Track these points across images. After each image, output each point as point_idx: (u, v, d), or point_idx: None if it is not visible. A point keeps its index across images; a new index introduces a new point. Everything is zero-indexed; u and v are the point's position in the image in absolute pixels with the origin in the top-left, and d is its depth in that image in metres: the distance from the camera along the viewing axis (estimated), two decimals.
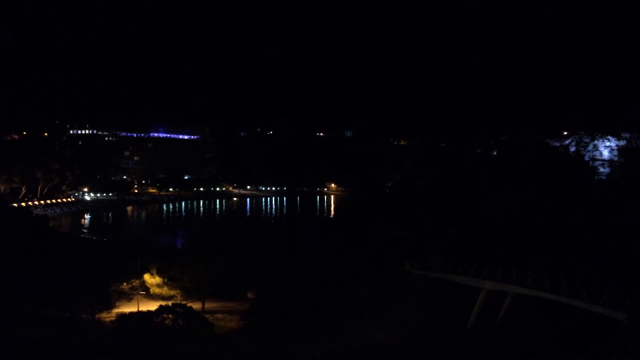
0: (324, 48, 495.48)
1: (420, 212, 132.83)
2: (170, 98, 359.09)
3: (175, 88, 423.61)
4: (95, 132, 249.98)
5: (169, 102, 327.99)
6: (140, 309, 53.14)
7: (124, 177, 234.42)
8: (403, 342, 50.84)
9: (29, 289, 57.70)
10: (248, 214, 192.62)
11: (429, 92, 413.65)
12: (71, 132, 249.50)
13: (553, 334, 53.34)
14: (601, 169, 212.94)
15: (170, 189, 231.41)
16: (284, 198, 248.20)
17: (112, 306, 54.02)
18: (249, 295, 61.06)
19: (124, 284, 59.18)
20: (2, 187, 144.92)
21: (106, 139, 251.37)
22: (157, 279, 59.13)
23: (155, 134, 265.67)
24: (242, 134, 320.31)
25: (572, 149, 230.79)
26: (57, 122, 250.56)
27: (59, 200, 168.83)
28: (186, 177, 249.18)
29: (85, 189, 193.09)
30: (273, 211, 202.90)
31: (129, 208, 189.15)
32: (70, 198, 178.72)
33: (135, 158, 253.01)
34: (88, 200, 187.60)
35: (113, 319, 51.57)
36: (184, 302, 54.74)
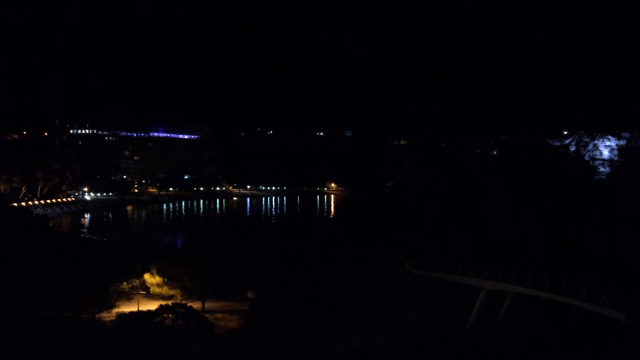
0: (324, 48, 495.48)
1: (420, 212, 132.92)
2: (170, 98, 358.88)
3: (175, 88, 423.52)
4: (95, 132, 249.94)
5: (169, 102, 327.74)
6: (140, 309, 53.13)
7: (124, 177, 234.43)
8: (403, 342, 50.84)
9: (29, 289, 57.69)
10: (248, 213, 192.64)
11: (429, 92, 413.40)
12: (71, 132, 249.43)
13: (553, 334, 53.32)
14: (601, 169, 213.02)
15: (170, 189, 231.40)
16: (284, 198, 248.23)
17: (112, 306, 54.00)
18: (249, 295, 61.05)
19: (124, 283, 59.17)
20: (2, 187, 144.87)
21: (106, 139, 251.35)
22: (157, 279, 59.15)
23: (155, 134, 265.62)
24: (242, 134, 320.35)
25: (572, 148, 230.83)
26: (57, 122, 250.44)
27: (59, 200, 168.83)
28: (186, 177, 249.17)
29: (85, 189, 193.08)
30: (273, 211, 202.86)
31: (129, 208, 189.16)
32: (70, 198, 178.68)
33: (135, 158, 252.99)
34: (88, 200, 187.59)
35: (113, 318, 51.55)
36: (184, 302, 54.75)
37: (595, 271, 57.76)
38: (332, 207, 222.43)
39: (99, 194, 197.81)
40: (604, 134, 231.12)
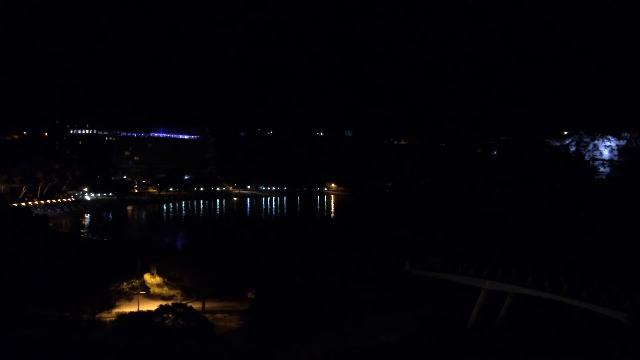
0: (324, 48, 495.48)
1: (420, 212, 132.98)
2: (170, 98, 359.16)
3: (175, 88, 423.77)
4: (95, 132, 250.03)
5: (169, 102, 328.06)
6: (140, 309, 53.10)
7: (124, 177, 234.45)
8: (403, 342, 50.80)
9: (29, 289, 57.70)
10: (248, 214, 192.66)
11: (429, 92, 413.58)
12: (71, 132, 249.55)
13: (553, 334, 53.32)
14: (601, 169, 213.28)
15: (170, 189, 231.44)
16: (284, 198, 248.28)
17: (112, 306, 53.94)
18: (249, 295, 61.04)
19: (124, 283, 59.15)
20: (2, 187, 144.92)
21: (106, 139, 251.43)
22: (157, 279, 59.15)
23: (155, 134, 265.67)
24: (242, 134, 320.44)
25: (572, 148, 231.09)
26: (57, 122, 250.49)
27: (59, 200, 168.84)
28: (186, 177, 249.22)
29: (85, 189, 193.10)
30: (273, 211, 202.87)
31: (129, 208, 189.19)
32: (71, 198, 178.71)
33: (135, 158, 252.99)
34: (88, 200, 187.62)
35: (113, 319, 51.52)
36: (184, 302, 54.69)
37: (595, 271, 57.79)
38: (332, 207, 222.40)
39: (99, 194, 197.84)
40: (604, 134, 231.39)
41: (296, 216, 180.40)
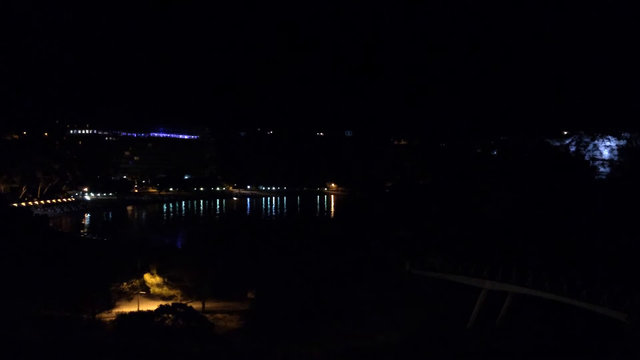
0: (324, 48, 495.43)
1: (420, 212, 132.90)
2: (170, 98, 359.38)
3: (175, 88, 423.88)
4: (95, 132, 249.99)
5: (169, 102, 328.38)
6: (140, 309, 53.09)
7: (124, 177, 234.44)
8: (403, 342, 50.80)
9: (29, 289, 57.70)
10: (248, 214, 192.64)
11: (429, 92, 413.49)
12: (71, 132, 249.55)
13: (553, 334, 53.31)
14: (601, 169, 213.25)
15: (170, 189, 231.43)
16: (284, 198, 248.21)
17: (112, 306, 53.94)
18: (249, 295, 61.05)
19: (124, 283, 59.13)
20: (2, 187, 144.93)
21: (106, 139, 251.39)
22: (157, 279, 59.14)
23: (155, 134, 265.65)
24: (242, 134, 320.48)
25: (572, 148, 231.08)
26: (57, 122, 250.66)
27: (59, 200, 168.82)
28: (186, 177, 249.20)
29: (86, 189, 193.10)
30: (273, 211, 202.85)
31: (129, 208, 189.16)
32: (71, 198, 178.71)
33: (135, 158, 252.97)
34: (88, 200, 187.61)
35: (113, 318, 51.52)
36: (184, 302, 54.69)
37: (595, 271, 57.78)
38: (332, 207, 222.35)
39: (99, 194, 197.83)
40: (604, 134, 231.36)
41: (296, 216, 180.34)
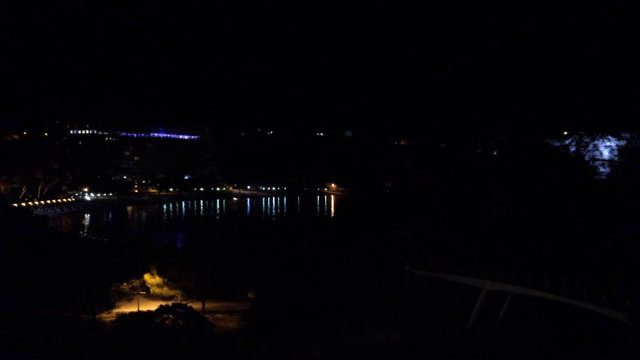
0: (324, 48, 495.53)
1: (420, 212, 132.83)
2: (170, 98, 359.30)
3: (175, 88, 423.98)
4: (95, 132, 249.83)
5: (169, 102, 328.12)
6: (140, 309, 53.15)
7: (124, 177, 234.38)
8: (403, 342, 50.81)
9: (29, 289, 57.71)
10: (248, 214, 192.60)
11: (429, 92, 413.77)
12: (71, 132, 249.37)
13: (553, 334, 53.30)
14: (601, 169, 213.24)
15: (171, 189, 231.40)
16: (284, 198, 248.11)
17: (112, 306, 53.99)
18: (249, 295, 61.05)
19: (124, 284, 59.17)
20: (2, 187, 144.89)
21: (106, 139, 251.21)
22: (157, 279, 59.12)
23: (155, 134, 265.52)
24: (242, 134, 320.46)
25: (572, 148, 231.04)
26: (57, 122, 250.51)
27: (59, 200, 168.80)
28: (186, 177, 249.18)
29: (86, 189, 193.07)
30: (273, 211, 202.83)
31: (129, 208, 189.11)
32: (71, 198, 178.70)
33: (135, 158, 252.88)
34: (88, 200, 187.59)
35: (113, 319, 51.56)
36: (184, 302, 54.75)
37: (595, 271, 57.73)
38: (332, 207, 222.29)
39: (99, 194, 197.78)
40: (604, 134, 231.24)
41: (296, 216, 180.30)
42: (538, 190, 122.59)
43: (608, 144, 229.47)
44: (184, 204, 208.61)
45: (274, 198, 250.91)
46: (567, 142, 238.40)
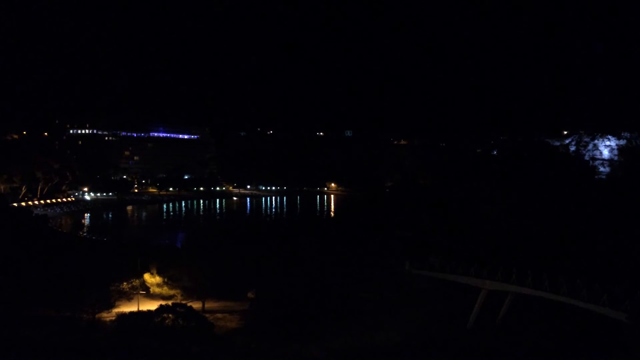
0: (324, 48, 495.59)
1: (420, 212, 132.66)
2: (170, 98, 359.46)
3: (175, 88, 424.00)
4: (95, 132, 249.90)
5: (169, 102, 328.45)
6: (140, 309, 53.14)
7: (124, 176, 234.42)
8: (403, 342, 50.81)
9: (29, 288, 57.71)
10: (248, 213, 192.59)
11: (429, 92, 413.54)
12: (71, 132, 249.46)
13: (553, 333, 53.29)
14: (601, 169, 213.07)
15: (170, 189, 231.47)
16: (284, 198, 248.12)
17: (112, 306, 54.01)
18: (249, 295, 61.06)
19: (124, 283, 59.21)
20: (2, 187, 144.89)
21: (106, 139, 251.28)
22: (157, 279, 59.17)
23: (156, 134, 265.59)
24: (242, 134, 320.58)
25: (572, 148, 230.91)
26: (57, 122, 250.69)
27: (59, 200, 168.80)
28: (186, 177, 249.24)
29: (85, 189, 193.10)
30: (273, 211, 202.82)
31: (129, 208, 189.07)
32: (71, 198, 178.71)
33: (135, 158, 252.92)
34: (88, 200, 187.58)
35: (113, 318, 51.56)
36: (184, 302, 54.74)
37: (595, 271, 57.71)
38: (332, 207, 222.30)
39: (99, 194, 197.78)
40: (604, 134, 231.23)
41: (296, 216, 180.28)
42: (538, 190, 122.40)
43: (608, 143, 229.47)
44: (183, 204, 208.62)
45: (273, 198, 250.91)
46: (567, 141, 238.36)
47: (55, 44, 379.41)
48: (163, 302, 53.66)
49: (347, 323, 54.59)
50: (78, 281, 55.94)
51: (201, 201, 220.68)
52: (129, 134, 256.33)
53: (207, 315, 54.14)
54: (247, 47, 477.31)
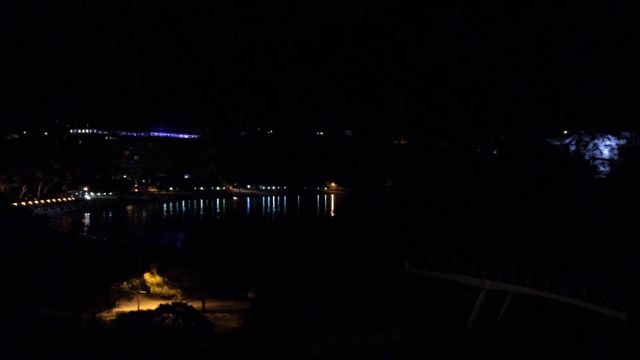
0: (324, 48, 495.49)
1: (420, 212, 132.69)
2: (170, 98, 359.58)
3: (175, 88, 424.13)
4: (95, 131, 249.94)
5: (169, 101, 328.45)
6: (140, 308, 53.11)
7: (124, 176, 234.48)
8: (403, 342, 50.79)
9: (29, 288, 57.71)
10: (248, 213, 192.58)
11: (429, 92, 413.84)
12: (71, 132, 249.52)
13: (553, 333, 53.28)
14: (601, 168, 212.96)
15: (171, 189, 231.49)
16: (284, 198, 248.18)
17: (112, 305, 54.00)
18: (249, 295, 61.07)
19: (124, 283, 59.18)
20: (2, 187, 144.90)
21: (106, 138, 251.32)
22: (158, 278, 59.18)
23: (156, 134, 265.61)
24: (242, 134, 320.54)
25: (572, 148, 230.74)
26: (57, 122, 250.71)
27: (59, 199, 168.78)
28: (186, 177, 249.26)
29: (86, 189, 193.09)
30: (273, 211, 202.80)
31: (129, 207, 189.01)
32: (71, 197, 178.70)
33: (135, 157, 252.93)
34: (88, 200, 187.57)
35: (113, 318, 51.54)
36: (184, 302, 54.72)
37: (595, 271, 57.71)
38: (332, 207, 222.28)
39: (99, 194, 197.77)
40: (604, 133, 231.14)
41: (296, 216, 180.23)
42: (538, 190, 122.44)
43: (608, 143, 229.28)
44: (183, 203, 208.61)
45: (273, 197, 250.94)
46: (567, 141, 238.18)
47: (55, 43, 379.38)
48: (163, 302, 53.63)
49: (347, 323, 54.59)
50: (78, 281, 55.95)
51: (201, 201, 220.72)
52: (129, 133, 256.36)
53: (207, 315, 54.14)
54: (247, 47, 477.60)
